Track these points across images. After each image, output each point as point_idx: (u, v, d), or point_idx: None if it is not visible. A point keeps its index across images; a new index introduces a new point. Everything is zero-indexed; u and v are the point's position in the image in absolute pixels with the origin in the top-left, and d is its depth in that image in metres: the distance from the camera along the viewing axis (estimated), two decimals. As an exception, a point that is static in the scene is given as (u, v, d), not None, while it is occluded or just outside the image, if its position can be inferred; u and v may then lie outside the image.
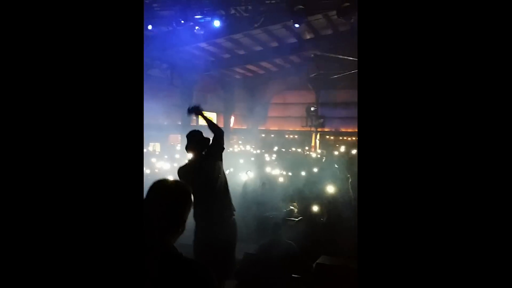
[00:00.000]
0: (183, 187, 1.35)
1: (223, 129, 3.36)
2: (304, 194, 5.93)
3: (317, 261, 3.59)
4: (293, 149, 14.06)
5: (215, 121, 3.50)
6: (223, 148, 3.24)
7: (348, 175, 6.26)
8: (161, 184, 1.32)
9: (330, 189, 5.33)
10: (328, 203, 5.33)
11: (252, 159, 9.80)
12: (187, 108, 3.47)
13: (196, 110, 3.41)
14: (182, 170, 3.15)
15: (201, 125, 3.61)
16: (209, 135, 3.27)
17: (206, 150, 3.19)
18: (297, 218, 5.48)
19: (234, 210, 3.24)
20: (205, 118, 3.42)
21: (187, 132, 3.24)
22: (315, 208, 4.95)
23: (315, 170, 7.47)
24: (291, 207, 5.80)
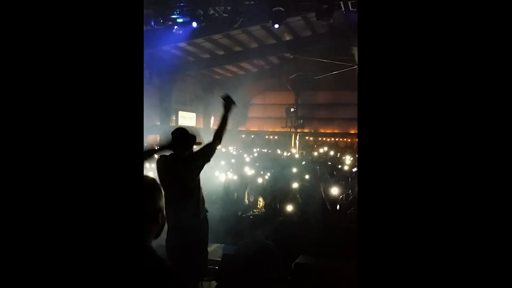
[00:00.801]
0: (147, 179, 1.34)
1: (202, 130, 3.31)
2: (275, 191, 5.95)
3: (296, 261, 3.61)
4: (269, 150, 14.09)
5: (194, 122, 3.43)
6: (209, 161, 3.11)
7: (328, 176, 6.34)
8: None
9: (305, 186, 5.37)
10: (303, 201, 5.38)
11: (233, 160, 9.77)
12: (224, 94, 3.24)
13: (230, 102, 3.18)
14: (161, 161, 3.06)
15: (178, 126, 3.53)
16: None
17: (194, 155, 3.09)
18: (258, 211, 5.51)
19: (207, 211, 3.21)
20: (226, 117, 3.21)
21: (164, 131, 3.19)
22: (290, 208, 4.96)
23: (294, 170, 7.51)
24: (258, 200, 5.77)
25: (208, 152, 3.08)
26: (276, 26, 7.18)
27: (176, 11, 7.09)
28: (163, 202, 1.33)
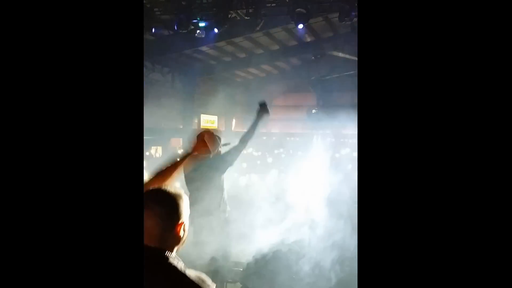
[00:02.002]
0: (174, 190, 1.34)
1: (224, 132, 3.34)
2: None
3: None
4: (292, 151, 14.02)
5: (216, 125, 3.45)
6: (232, 165, 3.14)
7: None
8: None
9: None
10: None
11: (258, 162, 9.78)
12: (261, 101, 3.31)
13: (265, 109, 3.24)
14: (188, 163, 3.10)
15: (204, 129, 3.59)
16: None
17: (222, 154, 3.12)
18: None
19: (224, 212, 3.22)
20: (257, 123, 3.24)
21: (187, 135, 3.23)
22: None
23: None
24: None
25: (233, 155, 3.12)
26: (300, 26, 7.15)
27: (199, 16, 7.19)
28: (187, 214, 1.33)
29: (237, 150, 3.14)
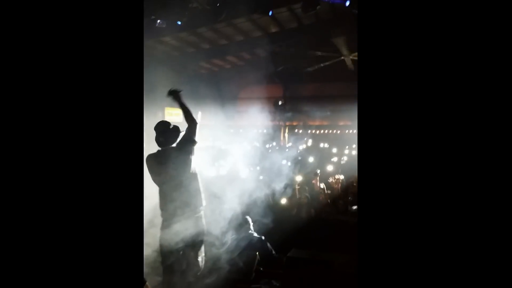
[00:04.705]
0: None
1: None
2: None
3: (288, 254, 3.58)
4: (256, 144, 14.05)
5: (181, 118, 3.39)
6: (195, 142, 3.14)
7: (318, 171, 6.32)
8: None
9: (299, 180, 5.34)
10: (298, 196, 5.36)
11: (225, 155, 9.68)
12: (167, 93, 3.39)
13: (174, 93, 3.33)
14: (151, 158, 3.03)
15: (160, 120, 3.47)
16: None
17: (178, 142, 3.10)
18: None
19: (201, 205, 3.14)
20: (182, 104, 3.30)
21: (151, 129, 3.12)
22: (284, 201, 4.94)
23: (288, 163, 7.49)
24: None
25: (189, 134, 3.10)
26: (270, 13, 7.07)
27: (159, 5, 6.94)
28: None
29: (190, 128, 3.15)
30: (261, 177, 6.73)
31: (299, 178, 5.71)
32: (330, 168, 7.90)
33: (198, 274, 3.06)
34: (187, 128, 3.15)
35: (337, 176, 6.12)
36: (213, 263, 3.46)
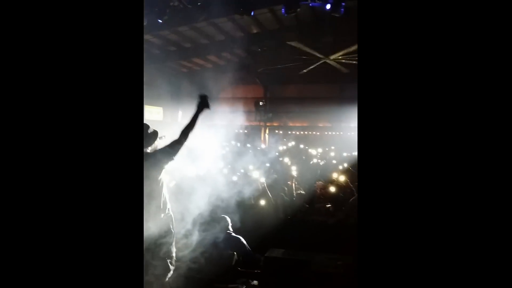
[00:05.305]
0: None
1: (170, 124, 3.18)
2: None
3: (265, 254, 3.60)
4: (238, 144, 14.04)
5: (162, 117, 3.27)
6: (173, 159, 2.96)
7: (294, 172, 6.39)
8: None
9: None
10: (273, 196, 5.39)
11: (205, 155, 9.62)
12: (202, 93, 3.12)
13: (206, 102, 3.09)
14: None
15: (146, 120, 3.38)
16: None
17: (157, 150, 2.93)
18: None
19: (167, 207, 3.09)
20: (197, 116, 3.09)
21: None
22: (262, 202, 4.97)
23: (267, 164, 7.52)
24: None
25: (174, 149, 2.93)
26: (252, 13, 7.07)
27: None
28: None
29: (178, 143, 2.97)
30: (235, 178, 6.75)
31: (275, 179, 5.77)
32: (307, 170, 7.99)
33: (169, 274, 3.02)
34: (176, 141, 2.95)
35: (319, 182, 6.23)
36: (184, 263, 3.44)
